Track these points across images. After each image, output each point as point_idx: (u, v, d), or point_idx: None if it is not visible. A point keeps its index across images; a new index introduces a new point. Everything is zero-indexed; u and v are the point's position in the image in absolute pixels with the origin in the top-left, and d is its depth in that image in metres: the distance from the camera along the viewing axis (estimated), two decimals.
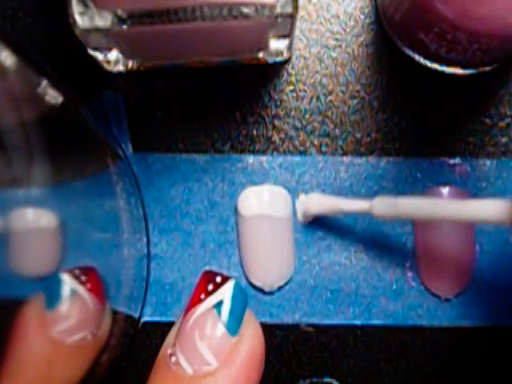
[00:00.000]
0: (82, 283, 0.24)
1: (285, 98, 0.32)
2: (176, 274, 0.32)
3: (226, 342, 0.22)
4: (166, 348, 0.22)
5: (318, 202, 0.31)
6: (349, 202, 0.30)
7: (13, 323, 0.22)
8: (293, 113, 0.32)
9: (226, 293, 0.22)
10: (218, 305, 0.22)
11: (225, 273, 0.23)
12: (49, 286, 0.24)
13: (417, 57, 0.31)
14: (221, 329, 0.22)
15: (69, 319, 0.24)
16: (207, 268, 0.23)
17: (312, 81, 0.32)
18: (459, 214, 0.25)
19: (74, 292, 0.24)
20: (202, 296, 0.22)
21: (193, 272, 0.32)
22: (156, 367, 0.22)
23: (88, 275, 0.25)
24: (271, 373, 0.32)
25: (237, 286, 0.22)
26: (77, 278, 0.24)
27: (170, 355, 0.22)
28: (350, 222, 0.32)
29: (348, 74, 0.32)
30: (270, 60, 0.31)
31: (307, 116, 0.32)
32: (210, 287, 0.22)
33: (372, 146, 0.32)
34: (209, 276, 0.23)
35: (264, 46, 0.30)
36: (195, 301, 0.22)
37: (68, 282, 0.24)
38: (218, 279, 0.22)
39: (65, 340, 0.24)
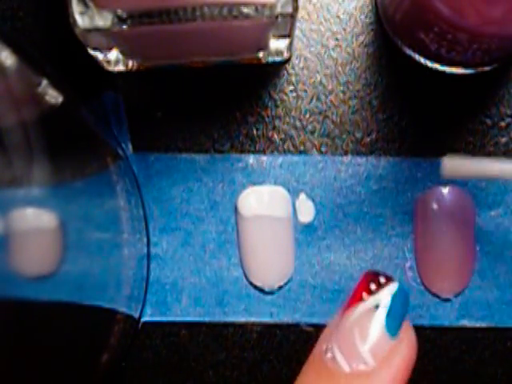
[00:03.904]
0: None
1: (285, 98, 0.32)
2: (176, 273, 0.32)
3: (385, 343, 0.22)
4: (322, 343, 0.23)
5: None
6: (496, 166, 0.28)
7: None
8: (293, 113, 0.32)
9: (389, 294, 0.22)
10: (381, 306, 0.22)
11: (388, 274, 0.23)
12: None
13: (417, 57, 0.31)
14: (381, 330, 0.22)
15: None
16: (370, 269, 0.24)
17: (312, 81, 0.32)
18: None
19: None
20: (364, 295, 0.22)
21: (193, 272, 0.32)
22: (311, 361, 0.23)
23: None
24: (271, 373, 0.32)
25: (400, 289, 0.22)
26: None
27: (326, 350, 0.22)
28: (350, 222, 0.32)
29: (348, 74, 0.32)
30: (270, 60, 0.31)
31: (307, 116, 0.32)
32: (373, 287, 0.22)
33: (372, 146, 0.32)
34: (372, 276, 0.23)
35: (264, 46, 0.30)
36: (356, 299, 0.22)
37: None
38: (382, 280, 0.22)
39: None
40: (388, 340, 0.22)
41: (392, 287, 0.22)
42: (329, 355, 0.22)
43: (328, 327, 0.23)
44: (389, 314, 0.22)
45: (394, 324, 0.22)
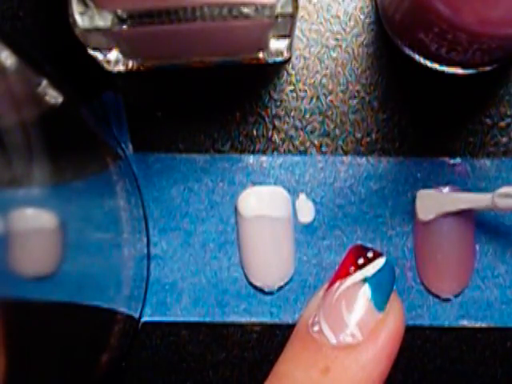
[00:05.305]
0: None
1: (285, 97, 0.32)
2: (176, 273, 0.32)
3: (373, 317, 0.22)
4: (308, 317, 0.23)
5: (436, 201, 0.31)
6: (469, 197, 0.30)
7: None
8: (293, 113, 0.32)
9: (376, 268, 0.22)
10: (368, 279, 0.22)
11: (376, 249, 0.23)
12: None
13: (417, 57, 0.31)
14: (368, 303, 0.22)
15: None
16: (357, 243, 0.24)
17: (312, 81, 0.32)
18: None
19: None
20: (352, 269, 0.23)
21: (193, 272, 0.32)
22: (296, 334, 0.23)
23: None
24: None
25: (388, 263, 0.23)
26: None
27: (313, 324, 0.22)
28: (350, 222, 0.32)
29: (348, 74, 0.32)
30: (270, 60, 0.31)
31: (307, 116, 0.32)
32: (361, 261, 0.23)
33: (372, 146, 0.32)
34: (360, 250, 0.23)
35: (264, 46, 0.30)
36: (344, 273, 0.23)
37: None
38: (370, 254, 0.23)
39: None
40: (375, 313, 0.22)
41: (379, 261, 0.23)
42: (316, 328, 0.22)
43: (312, 300, 0.23)
44: (375, 288, 0.22)
45: (380, 298, 0.22)
